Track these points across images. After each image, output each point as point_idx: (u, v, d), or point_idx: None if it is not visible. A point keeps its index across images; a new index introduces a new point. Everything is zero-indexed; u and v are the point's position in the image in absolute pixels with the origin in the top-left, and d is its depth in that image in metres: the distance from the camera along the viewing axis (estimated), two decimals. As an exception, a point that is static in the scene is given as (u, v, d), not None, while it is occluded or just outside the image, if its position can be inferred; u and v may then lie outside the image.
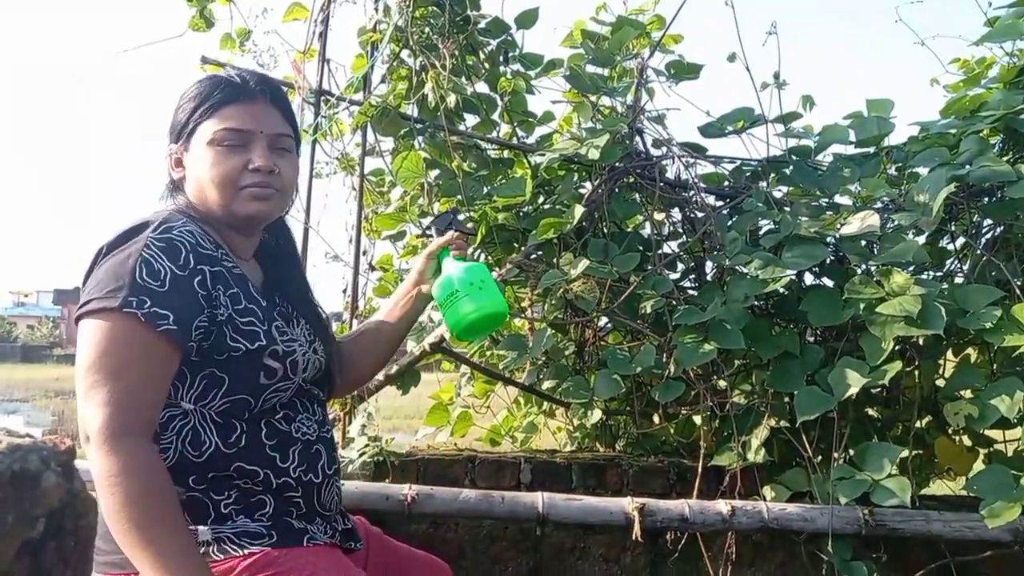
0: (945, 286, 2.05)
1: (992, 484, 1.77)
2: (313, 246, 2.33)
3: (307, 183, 2.37)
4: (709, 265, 2.35)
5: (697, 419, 2.26)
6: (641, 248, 2.21)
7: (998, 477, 1.78)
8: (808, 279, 2.21)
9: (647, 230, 2.39)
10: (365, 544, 1.32)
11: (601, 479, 2.17)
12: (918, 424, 2.12)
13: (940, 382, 2.12)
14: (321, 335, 1.31)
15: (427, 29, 2.29)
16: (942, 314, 1.76)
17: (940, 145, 2.14)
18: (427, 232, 1.73)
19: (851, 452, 1.95)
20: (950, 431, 2.07)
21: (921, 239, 2.19)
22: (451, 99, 2.20)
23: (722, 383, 2.16)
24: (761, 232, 2.15)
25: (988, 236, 2.25)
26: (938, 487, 2.34)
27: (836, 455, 1.92)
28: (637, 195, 2.35)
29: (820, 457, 2.01)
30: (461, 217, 1.73)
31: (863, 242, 2.01)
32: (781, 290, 2.10)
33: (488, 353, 2.63)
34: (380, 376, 2.26)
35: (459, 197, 2.25)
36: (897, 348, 2.00)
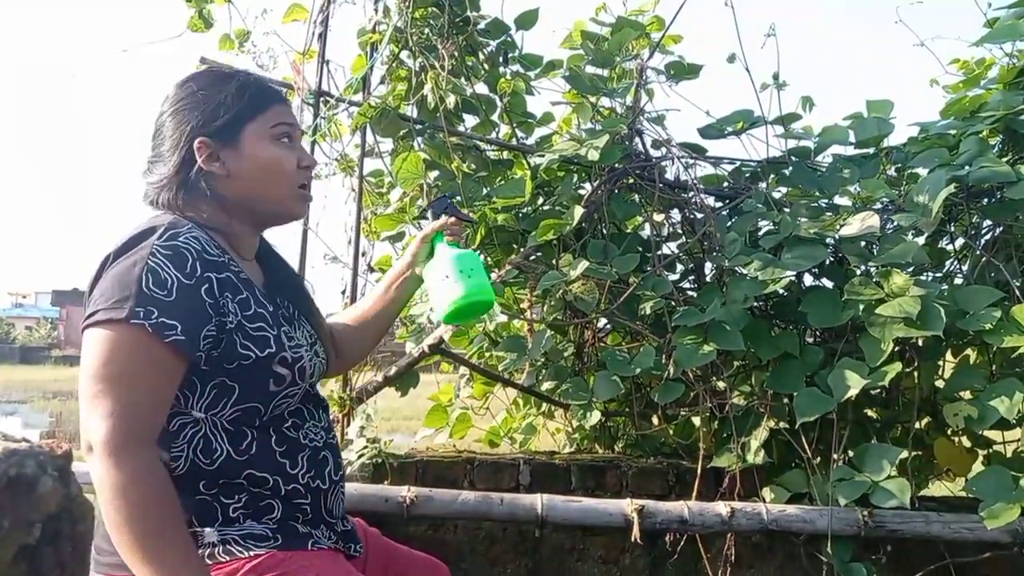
0: (945, 287, 2.05)
1: (991, 485, 1.77)
2: (312, 247, 2.32)
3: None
4: (709, 266, 2.35)
5: (696, 420, 2.26)
6: (640, 249, 2.21)
7: (997, 478, 1.78)
8: (808, 280, 2.21)
9: (646, 231, 2.39)
10: (364, 546, 1.32)
11: (600, 481, 2.16)
12: (917, 425, 2.12)
13: (940, 383, 2.12)
14: (320, 333, 1.33)
15: (427, 30, 2.28)
16: (941, 315, 1.76)
17: (940, 146, 2.14)
18: (424, 214, 1.75)
19: (850, 453, 1.95)
20: (949, 432, 2.07)
21: (921, 240, 2.19)
22: (450, 100, 2.19)
23: (721, 384, 2.16)
24: (760, 233, 2.15)
25: (987, 237, 2.25)
26: (937, 488, 2.33)
27: (835, 456, 1.92)
28: (637, 196, 2.35)
29: (819, 458, 2.01)
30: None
31: (863, 243, 2.01)
32: (781, 291, 2.10)
33: (487, 354, 2.63)
34: (379, 378, 2.26)
35: (458, 198, 2.24)
36: (897, 349, 2.00)
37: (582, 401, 2.11)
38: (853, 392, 1.80)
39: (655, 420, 2.34)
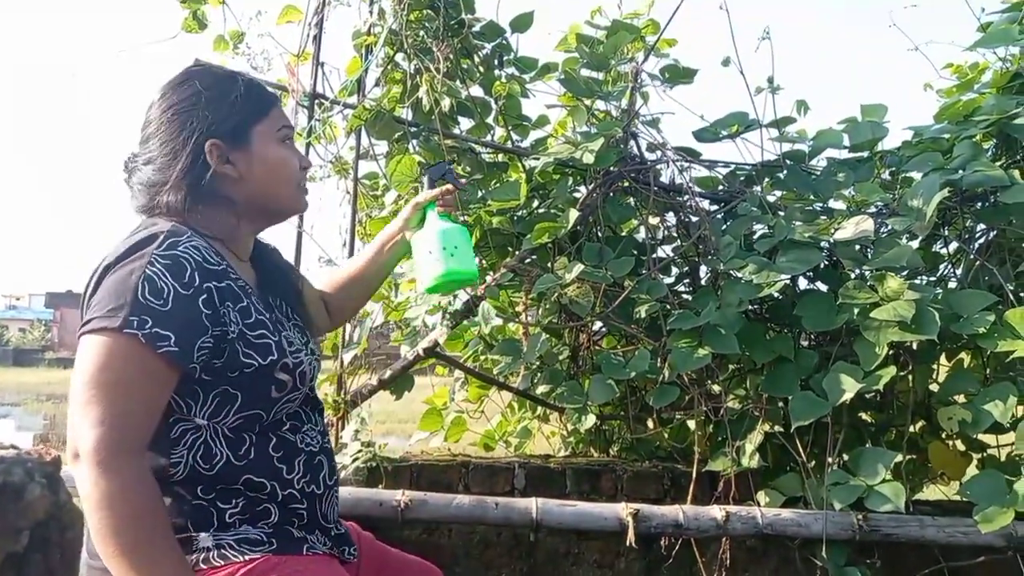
0: (939, 291, 2.06)
1: (985, 489, 1.77)
2: (307, 250, 2.32)
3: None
4: (704, 269, 2.35)
5: (691, 424, 2.25)
6: (636, 252, 2.21)
7: (991, 482, 1.78)
8: (802, 284, 2.21)
9: (642, 234, 2.39)
10: (358, 550, 1.31)
11: (595, 484, 2.16)
12: (912, 429, 2.12)
13: (934, 387, 2.12)
14: (310, 329, 1.33)
15: (422, 32, 2.28)
16: (936, 319, 1.76)
17: (934, 150, 2.15)
18: (420, 178, 1.77)
19: (845, 457, 1.95)
20: (944, 436, 2.08)
21: (915, 244, 2.19)
22: (445, 103, 2.19)
23: (716, 388, 2.15)
24: (755, 236, 2.14)
25: (981, 241, 2.25)
26: (932, 492, 2.34)
27: (830, 460, 1.92)
28: (632, 199, 2.35)
29: (814, 462, 2.00)
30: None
31: (857, 247, 2.02)
32: (775, 295, 2.10)
33: (482, 358, 2.63)
34: (373, 381, 2.25)
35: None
36: (891, 353, 2.00)
37: (577, 405, 2.11)
38: (848, 396, 1.80)
39: (650, 424, 2.34)
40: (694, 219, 2.31)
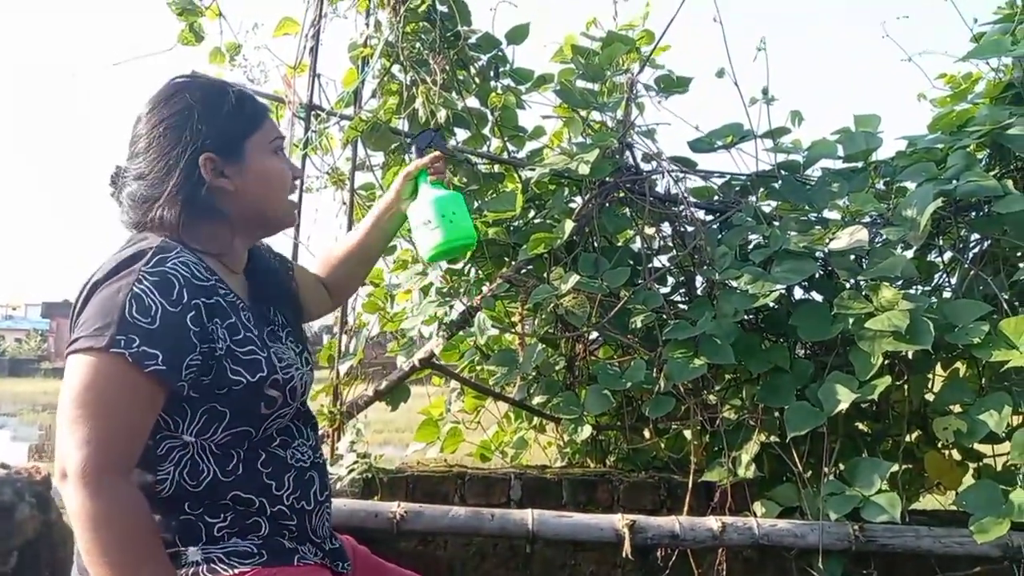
0: (934, 300, 2.06)
1: (981, 499, 1.77)
2: (303, 261, 2.32)
3: (298, 198, 2.36)
4: (699, 279, 2.35)
5: (688, 434, 2.25)
6: (631, 262, 2.21)
7: (987, 492, 1.78)
8: (798, 293, 2.22)
9: (637, 244, 2.40)
10: (352, 564, 1.31)
11: (592, 495, 2.16)
12: (908, 439, 2.12)
13: (930, 396, 2.13)
14: (304, 339, 1.32)
15: (418, 44, 2.29)
16: (930, 329, 1.77)
17: (927, 160, 2.16)
18: (408, 148, 1.79)
19: (841, 467, 1.95)
20: (940, 446, 2.08)
21: (909, 254, 2.20)
22: (441, 114, 2.20)
23: (712, 398, 2.15)
24: (751, 247, 2.15)
25: (976, 250, 2.26)
26: (929, 501, 2.34)
27: (826, 470, 1.91)
28: (627, 209, 2.36)
29: (810, 472, 2.00)
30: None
31: (852, 257, 2.02)
32: (771, 305, 2.11)
33: (478, 368, 2.63)
34: (369, 392, 2.25)
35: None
36: (886, 363, 2.01)
37: (573, 415, 2.11)
38: (843, 406, 1.81)
39: (647, 434, 2.34)
40: (689, 229, 2.32)
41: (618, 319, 2.12)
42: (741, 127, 2.37)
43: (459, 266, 2.37)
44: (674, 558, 1.98)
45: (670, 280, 2.43)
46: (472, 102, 2.44)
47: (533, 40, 2.47)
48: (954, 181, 2.00)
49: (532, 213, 2.41)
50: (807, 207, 2.24)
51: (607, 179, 2.26)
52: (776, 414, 2.03)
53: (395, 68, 2.35)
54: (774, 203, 2.38)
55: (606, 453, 2.44)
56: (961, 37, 2.40)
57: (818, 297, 2.16)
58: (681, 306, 2.31)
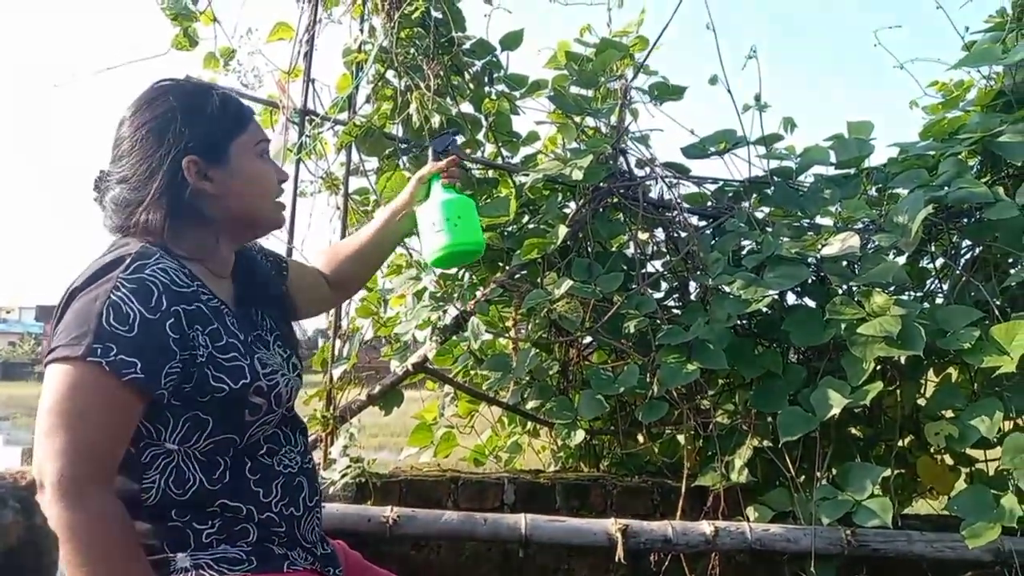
0: (926, 306, 2.07)
1: (973, 504, 1.78)
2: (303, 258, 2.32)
3: (291, 202, 2.36)
4: (693, 285, 2.36)
5: (681, 439, 2.26)
6: (625, 268, 2.22)
7: (979, 497, 1.79)
8: (791, 299, 2.23)
9: (631, 250, 2.40)
10: (344, 569, 1.30)
11: (585, 500, 2.16)
12: (901, 443, 2.12)
13: (922, 402, 2.13)
14: (293, 343, 1.30)
15: (412, 50, 2.30)
16: (922, 335, 1.78)
17: (919, 167, 2.17)
18: (424, 150, 1.76)
19: (834, 472, 1.95)
20: (932, 451, 2.08)
21: (901, 260, 2.21)
22: (436, 119, 2.20)
23: (705, 403, 2.16)
24: (743, 252, 2.16)
25: (967, 257, 2.27)
26: (922, 506, 2.34)
27: (819, 475, 1.92)
28: (621, 215, 2.37)
29: (803, 477, 2.01)
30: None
31: (844, 263, 2.03)
32: (764, 310, 2.11)
33: (472, 373, 2.63)
34: (363, 396, 2.25)
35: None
36: (879, 368, 2.02)
37: (567, 420, 2.11)
38: (835, 411, 1.81)
39: (640, 439, 2.34)
40: (683, 235, 2.32)
41: (611, 324, 2.12)
42: (734, 133, 2.38)
43: (453, 271, 2.37)
44: (667, 563, 1.99)
45: (663, 285, 2.44)
46: (466, 108, 2.45)
47: (527, 46, 2.48)
48: (945, 188, 2.02)
49: (526, 218, 2.42)
50: (799, 213, 2.26)
51: (601, 184, 2.27)
52: (769, 419, 2.04)
53: (389, 73, 2.36)
54: (767, 209, 2.39)
55: (600, 458, 2.44)
56: (953, 45, 2.41)
57: (811, 303, 2.17)
58: (674, 311, 2.31)
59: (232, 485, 1.12)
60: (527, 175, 2.28)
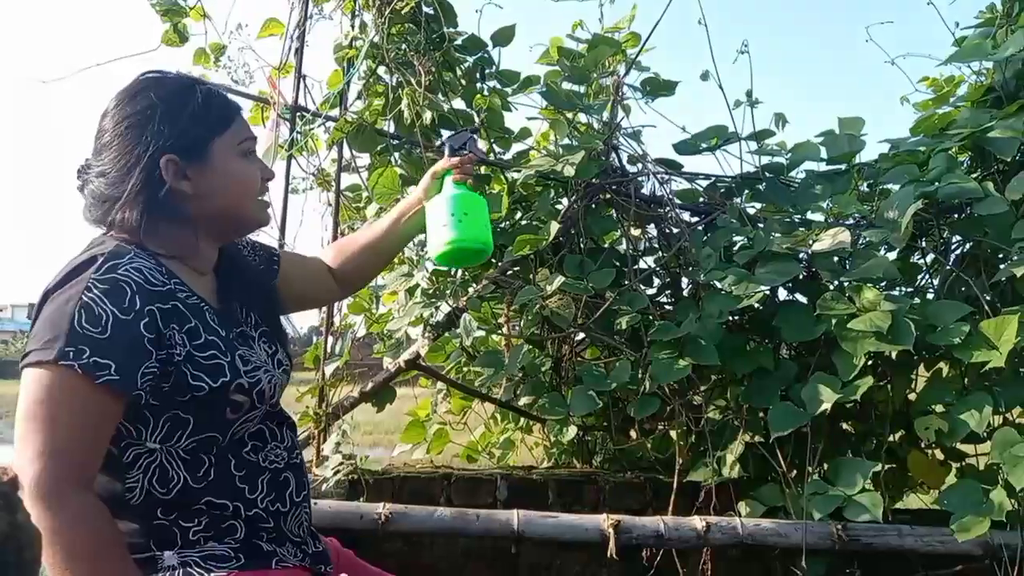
0: (917, 300, 2.07)
1: (962, 498, 1.79)
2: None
3: (283, 199, 2.36)
4: (685, 281, 2.36)
5: (673, 434, 2.26)
6: (617, 264, 2.22)
7: (968, 491, 1.80)
8: (782, 295, 2.23)
9: (623, 246, 2.40)
10: (336, 567, 1.30)
11: (578, 496, 2.16)
12: (892, 438, 2.13)
13: (913, 396, 2.14)
14: (282, 338, 1.28)
15: (403, 46, 2.29)
16: (911, 330, 1.78)
17: (910, 162, 2.17)
18: (440, 148, 1.73)
19: (825, 467, 1.96)
20: (923, 445, 2.09)
21: (892, 255, 2.21)
22: (427, 115, 2.20)
23: (697, 399, 2.16)
24: (735, 248, 2.16)
25: (957, 252, 2.28)
26: (912, 500, 2.35)
27: (810, 470, 1.93)
28: (613, 211, 2.37)
29: (795, 472, 2.01)
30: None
31: (835, 258, 2.04)
32: (755, 306, 2.12)
33: (465, 369, 2.63)
34: (355, 393, 2.24)
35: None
36: (869, 363, 2.02)
37: (559, 416, 2.11)
38: (826, 406, 1.82)
39: (632, 434, 2.35)
40: (675, 231, 2.33)
41: (604, 320, 2.12)
42: (726, 129, 2.38)
43: (445, 267, 2.37)
44: (659, 558, 1.99)
45: (656, 281, 2.44)
46: (458, 104, 2.45)
47: (519, 42, 2.48)
48: (936, 183, 2.02)
49: (518, 214, 2.42)
50: (791, 209, 2.26)
51: (593, 181, 2.26)
52: (760, 414, 2.04)
53: (381, 69, 2.35)
54: (758, 205, 2.40)
55: (592, 454, 2.44)
56: (944, 41, 2.41)
57: (802, 298, 2.18)
58: (666, 307, 2.32)
59: (217, 482, 1.11)
60: (519, 171, 2.28)
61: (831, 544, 1.88)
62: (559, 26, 2.78)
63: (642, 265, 2.38)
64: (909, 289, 2.31)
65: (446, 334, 2.33)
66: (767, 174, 2.38)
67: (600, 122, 2.43)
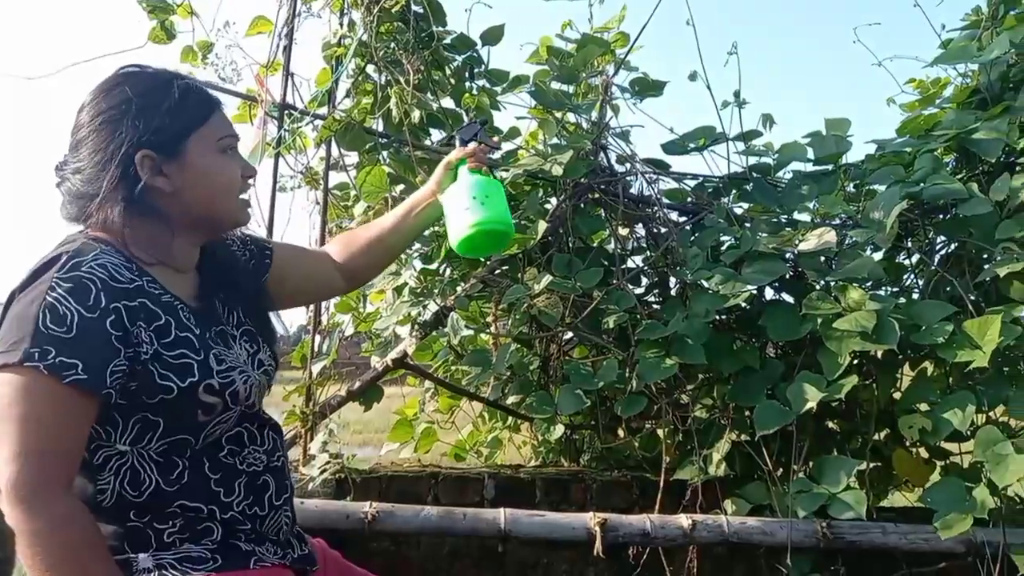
0: (903, 300, 2.09)
1: (945, 496, 1.80)
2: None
3: (270, 197, 2.35)
4: (672, 280, 2.37)
5: (660, 433, 2.27)
6: (605, 263, 2.22)
7: (951, 489, 1.81)
8: (769, 294, 2.24)
9: (611, 245, 2.41)
10: (323, 568, 1.28)
11: (566, 494, 2.17)
12: (876, 437, 2.15)
13: (898, 395, 2.16)
14: (267, 336, 1.26)
15: (392, 44, 2.29)
16: (896, 329, 1.79)
17: (896, 163, 2.19)
18: (451, 142, 1.72)
19: (811, 465, 1.97)
20: (908, 443, 2.11)
21: (878, 255, 2.23)
22: (416, 114, 2.20)
23: (684, 397, 2.17)
24: (722, 248, 2.17)
25: (942, 252, 2.30)
26: (897, 498, 2.37)
27: (796, 468, 1.94)
28: (601, 211, 2.37)
29: (780, 470, 2.03)
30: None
31: (821, 258, 2.05)
32: (742, 305, 2.13)
33: (452, 368, 2.63)
34: (342, 392, 2.24)
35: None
36: (854, 362, 2.03)
37: (546, 415, 2.11)
38: (811, 405, 1.83)
39: (620, 433, 2.35)
40: (663, 230, 2.33)
41: (591, 319, 2.13)
42: (713, 130, 2.39)
43: (433, 266, 2.37)
44: (646, 556, 2.00)
45: (643, 281, 2.45)
46: (447, 103, 2.44)
47: (508, 41, 2.48)
48: (921, 184, 2.04)
49: (507, 213, 2.41)
50: (777, 209, 2.27)
51: (581, 180, 2.27)
52: (747, 413, 2.05)
53: (369, 68, 2.35)
54: (745, 205, 2.41)
55: (580, 452, 2.45)
56: (930, 43, 2.43)
57: (788, 298, 2.19)
58: (654, 306, 2.32)
59: (191, 485, 1.09)
60: (508, 170, 2.28)
61: (816, 542, 1.89)
62: (549, 26, 2.79)
63: (630, 264, 2.38)
64: (894, 289, 2.33)
65: (434, 333, 2.33)
66: (754, 174, 2.39)
67: (589, 122, 2.43)
